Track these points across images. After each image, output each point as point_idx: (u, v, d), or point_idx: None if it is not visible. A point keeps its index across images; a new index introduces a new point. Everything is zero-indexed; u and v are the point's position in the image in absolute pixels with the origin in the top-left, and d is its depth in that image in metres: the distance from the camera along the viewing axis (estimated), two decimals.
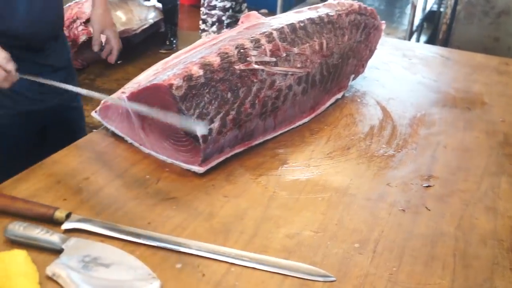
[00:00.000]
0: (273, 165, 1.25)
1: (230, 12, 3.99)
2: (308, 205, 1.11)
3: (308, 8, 1.57)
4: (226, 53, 1.25)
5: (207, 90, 1.17)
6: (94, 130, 1.34)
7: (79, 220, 0.98)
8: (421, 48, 2.21)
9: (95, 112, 1.32)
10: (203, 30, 4.08)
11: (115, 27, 1.63)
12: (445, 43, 3.07)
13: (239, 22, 1.77)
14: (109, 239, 0.96)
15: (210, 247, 0.96)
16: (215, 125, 1.18)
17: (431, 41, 3.91)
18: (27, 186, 1.09)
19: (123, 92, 1.34)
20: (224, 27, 3.99)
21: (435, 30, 4.13)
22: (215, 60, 1.22)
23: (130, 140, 1.28)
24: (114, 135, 1.31)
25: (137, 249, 0.94)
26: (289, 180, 1.19)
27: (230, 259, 0.93)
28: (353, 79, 1.71)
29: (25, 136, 1.51)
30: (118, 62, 4.06)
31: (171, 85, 1.12)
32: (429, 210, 1.11)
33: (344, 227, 1.05)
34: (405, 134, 1.43)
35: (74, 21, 3.59)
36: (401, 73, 1.87)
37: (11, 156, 1.46)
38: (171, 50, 4.45)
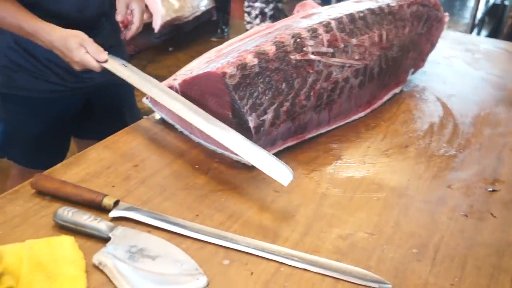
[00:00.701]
0: (327, 160, 1.19)
1: (273, 4, 3.93)
2: (363, 204, 1.05)
3: None
4: (282, 42, 1.19)
5: (261, 80, 1.13)
6: (145, 117, 1.32)
7: (127, 209, 0.96)
8: (485, 42, 2.08)
9: (146, 98, 1.30)
10: (248, 22, 4.04)
11: (142, 3, 1.55)
12: (510, 37, 2.90)
13: (295, 11, 1.72)
14: (156, 230, 0.93)
15: (260, 244, 0.91)
16: (268, 116, 1.13)
17: (492, 35, 3.71)
18: (77, 170, 1.08)
19: (174, 79, 1.31)
20: (267, 19, 3.93)
21: (497, 24, 3.93)
22: (270, 49, 1.17)
23: (180, 128, 1.25)
24: (164, 122, 1.28)
25: (184, 241, 0.91)
26: (343, 177, 1.14)
27: (280, 258, 0.89)
28: (412, 73, 1.62)
29: (70, 109, 1.51)
30: (170, 49, 4.08)
31: (224, 74, 1.08)
32: (495, 217, 1.03)
33: (401, 230, 0.98)
34: (468, 133, 1.34)
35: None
36: (463, 69, 1.76)
37: (54, 129, 1.46)
38: (222, 38, 4.42)
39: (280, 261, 0.89)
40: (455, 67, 1.77)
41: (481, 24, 3.90)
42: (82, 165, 1.10)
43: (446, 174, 1.16)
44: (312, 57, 1.22)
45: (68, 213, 0.92)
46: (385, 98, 1.49)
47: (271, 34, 1.29)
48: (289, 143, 1.21)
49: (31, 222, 0.94)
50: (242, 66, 1.11)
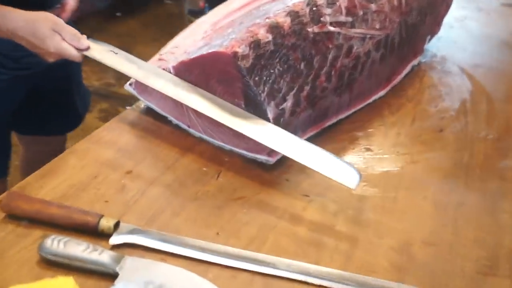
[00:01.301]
0: (355, 152, 1.11)
1: None
2: (410, 206, 0.97)
3: None
4: (297, 11, 1.08)
5: (277, 60, 1.02)
6: (128, 107, 1.19)
7: (131, 232, 0.85)
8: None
9: (130, 84, 1.17)
10: None
11: None
12: None
13: None
14: (172, 256, 0.82)
15: (303, 266, 0.82)
16: (288, 104, 1.03)
17: None
18: (56, 183, 0.95)
19: (160, 59, 1.18)
20: None
21: None
22: (285, 21, 1.05)
23: (175, 121, 1.13)
24: (154, 113, 1.15)
25: (210, 269, 0.81)
26: (378, 173, 1.05)
27: (331, 283, 0.80)
28: (429, 41, 1.55)
29: (11, 100, 1.36)
30: (117, 14, 3.87)
31: (235, 54, 0.96)
32: None
33: (463, 236, 0.91)
34: (507, 112, 1.28)
35: None
36: (481, 32, 1.70)
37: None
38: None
39: (331, 286, 0.80)
40: (472, 31, 1.70)
41: None
42: (61, 175, 0.97)
43: (496, 163, 1.10)
44: (331, 28, 1.11)
45: (59, 244, 0.79)
46: (404, 72, 1.41)
47: (277, 1, 1.17)
48: (310, 133, 1.12)
49: (8, 259, 0.80)
50: (255, 44, 0.99)
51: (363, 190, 1.00)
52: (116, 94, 2.86)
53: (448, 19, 1.67)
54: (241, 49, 0.97)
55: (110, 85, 2.95)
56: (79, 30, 1.07)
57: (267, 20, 1.05)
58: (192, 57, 1.03)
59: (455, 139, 1.17)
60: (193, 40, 1.17)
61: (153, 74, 1.06)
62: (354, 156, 1.09)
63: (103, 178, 0.97)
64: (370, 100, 1.28)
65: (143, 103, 1.17)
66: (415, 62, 1.46)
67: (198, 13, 3.44)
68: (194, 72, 1.03)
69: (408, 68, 1.43)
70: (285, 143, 0.96)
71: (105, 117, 2.67)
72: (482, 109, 1.29)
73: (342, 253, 0.86)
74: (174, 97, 1.03)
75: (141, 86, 1.14)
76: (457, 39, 1.64)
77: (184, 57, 1.06)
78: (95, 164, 1.00)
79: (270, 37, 1.02)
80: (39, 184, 0.94)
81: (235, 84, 0.99)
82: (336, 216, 0.94)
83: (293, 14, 1.07)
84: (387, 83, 1.34)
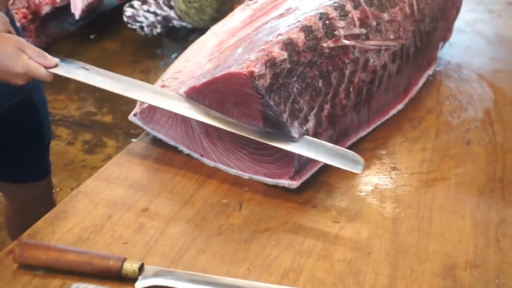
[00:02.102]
0: (381, 172, 1.13)
1: None
2: (447, 227, 1.00)
3: None
4: (310, 26, 1.12)
5: (294, 79, 1.05)
6: (134, 140, 1.20)
7: (157, 274, 0.86)
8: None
9: (134, 115, 1.19)
10: None
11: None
12: None
13: None
14: None
15: None
16: (310, 124, 1.06)
17: None
18: (69, 226, 0.96)
19: (163, 86, 1.21)
20: None
21: None
22: (299, 37, 1.09)
23: (186, 151, 1.15)
24: (163, 143, 1.17)
25: None
26: (408, 193, 1.08)
27: None
28: (442, 47, 1.59)
29: None
30: (91, 36, 3.89)
31: (252, 73, 0.99)
32: None
33: (509, 255, 0.94)
34: None
35: None
36: (494, 35, 1.75)
37: None
38: None
39: None
40: (485, 34, 1.76)
41: None
42: (73, 218, 0.98)
43: None
44: (346, 42, 1.15)
45: None
46: (421, 82, 1.45)
47: (285, 16, 1.20)
48: None
49: None
50: (271, 63, 1.02)
51: (395, 212, 1.03)
52: (98, 123, 2.88)
53: (458, 23, 1.73)
54: (257, 69, 1.00)
55: (91, 114, 2.96)
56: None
57: (280, 37, 1.08)
58: (204, 81, 1.05)
59: (484, 151, 1.20)
60: (196, 62, 1.20)
61: (133, 86, 1.07)
62: (381, 177, 1.12)
63: (118, 218, 0.98)
64: (389, 115, 1.32)
65: (150, 133, 1.19)
66: (430, 71, 1.50)
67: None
68: (207, 96, 1.05)
69: (424, 78, 1.47)
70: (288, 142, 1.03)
71: (90, 149, 2.67)
72: (508, 117, 1.33)
73: (383, 282, 0.89)
74: (165, 107, 1.06)
75: (147, 116, 1.16)
76: (470, 44, 1.69)
77: (193, 82, 1.08)
78: (107, 204, 1.01)
79: (285, 54, 1.05)
80: (50, 229, 0.96)
81: (253, 105, 1.01)
82: (371, 242, 0.96)
83: (306, 29, 1.11)
84: (404, 95, 1.38)
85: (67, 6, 3.56)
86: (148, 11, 3.37)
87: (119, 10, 3.80)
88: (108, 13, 3.85)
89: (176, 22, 3.40)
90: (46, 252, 0.87)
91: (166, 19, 3.39)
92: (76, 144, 2.71)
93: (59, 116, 2.94)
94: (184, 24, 3.39)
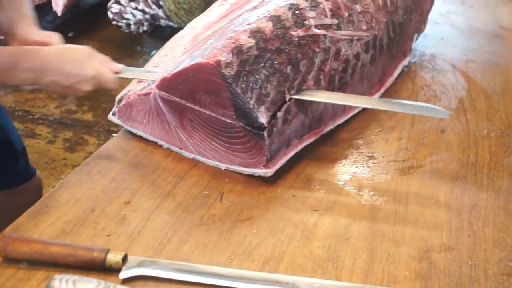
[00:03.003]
0: (358, 162, 1.16)
1: None
2: (423, 212, 1.03)
3: None
4: (278, 16, 1.14)
5: (262, 65, 1.07)
6: (114, 134, 1.22)
7: (141, 264, 0.87)
8: None
9: (113, 114, 1.20)
10: None
11: None
12: None
13: None
14: (185, 285, 0.86)
15: (325, 284, 0.86)
16: (279, 113, 1.07)
17: None
18: (52, 220, 0.97)
19: (140, 81, 1.22)
20: None
21: None
22: (267, 26, 1.11)
23: (166, 145, 1.16)
24: (143, 139, 1.19)
25: None
26: (385, 181, 1.11)
27: None
28: (416, 39, 1.62)
29: None
30: (70, 34, 3.87)
31: (218, 62, 1.01)
32: None
33: (481, 238, 0.97)
34: (507, 105, 1.35)
35: None
36: (467, 26, 1.79)
37: None
38: None
39: None
40: (458, 25, 1.79)
41: None
42: (56, 212, 0.99)
43: (503, 160, 1.17)
44: (316, 31, 1.17)
45: (68, 284, 0.81)
46: (396, 73, 1.48)
47: (258, 8, 1.22)
48: (307, 141, 1.16)
49: None
50: (238, 50, 1.04)
51: (373, 200, 1.06)
52: (79, 122, 2.87)
53: (432, 15, 1.76)
54: (224, 57, 1.02)
55: (72, 112, 2.95)
56: None
57: (247, 26, 1.10)
58: (174, 72, 1.06)
59: (458, 139, 1.24)
60: (173, 57, 1.22)
61: None
62: (359, 166, 1.14)
63: (101, 211, 1.00)
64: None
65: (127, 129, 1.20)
66: (405, 62, 1.53)
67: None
68: (178, 87, 1.07)
69: (399, 69, 1.50)
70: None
71: (71, 147, 2.67)
72: (481, 105, 1.36)
73: (361, 266, 0.91)
74: None
75: (125, 114, 1.18)
76: (444, 35, 1.72)
77: (166, 74, 1.09)
78: (89, 197, 1.03)
79: (253, 41, 1.07)
80: (33, 223, 0.96)
81: (222, 94, 1.03)
82: (349, 228, 0.99)
83: (275, 19, 1.13)
84: (379, 85, 1.41)
85: (45, 4, 3.54)
86: (136, 8, 3.35)
87: (96, 8, 3.79)
88: (85, 11, 3.83)
89: (163, 21, 3.40)
90: (29, 245, 0.88)
91: (154, 17, 3.38)
92: (56, 143, 2.70)
93: (38, 114, 2.92)
94: (170, 23, 3.39)
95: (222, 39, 1.08)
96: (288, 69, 1.10)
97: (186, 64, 1.07)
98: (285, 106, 1.08)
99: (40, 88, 1.11)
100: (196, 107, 1.07)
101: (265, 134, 1.04)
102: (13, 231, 0.95)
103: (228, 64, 1.02)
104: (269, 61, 1.08)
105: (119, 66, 1.11)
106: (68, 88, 1.06)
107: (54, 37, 1.17)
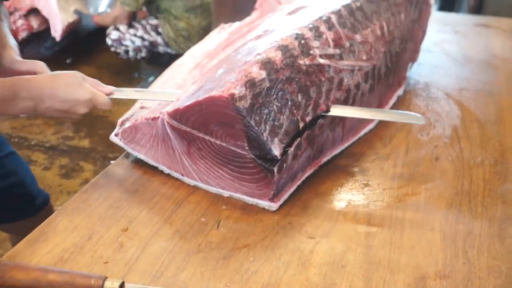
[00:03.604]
0: (354, 189, 1.17)
1: None
2: (418, 239, 1.04)
3: None
4: (286, 45, 1.15)
5: (274, 96, 1.08)
6: (112, 162, 1.23)
7: None
8: (471, 20, 2.16)
9: (116, 135, 1.21)
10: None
11: None
12: (478, 10, 3.04)
13: (257, 5, 1.70)
14: None
15: None
16: (291, 148, 1.08)
17: (446, 8, 3.89)
18: (49, 247, 0.98)
19: (142, 107, 1.24)
20: None
21: None
22: (276, 56, 1.12)
23: (167, 170, 1.17)
24: (142, 165, 1.20)
25: None
26: (381, 208, 1.12)
27: None
28: (410, 68, 1.65)
29: None
30: (68, 61, 3.90)
31: (232, 96, 1.02)
32: None
33: (476, 265, 0.98)
34: (500, 133, 1.37)
35: (11, 13, 3.40)
36: (461, 55, 1.82)
37: None
38: None
39: None
40: (451, 54, 1.82)
41: None
42: (53, 239, 1.00)
43: (496, 187, 1.18)
44: (321, 61, 1.19)
45: None
46: (391, 101, 1.50)
47: (262, 37, 1.24)
48: (308, 172, 1.18)
49: None
50: (251, 83, 1.05)
51: (368, 227, 1.06)
52: (76, 148, 2.88)
53: (425, 44, 1.79)
54: (237, 90, 1.03)
55: (68, 139, 2.96)
56: None
57: (258, 56, 1.11)
58: (187, 103, 1.07)
59: (452, 166, 1.25)
60: (175, 84, 1.23)
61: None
62: (355, 193, 1.15)
63: (98, 238, 1.00)
64: (362, 133, 1.36)
65: (130, 155, 1.21)
66: (400, 90, 1.55)
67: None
68: (190, 118, 1.08)
69: (395, 97, 1.52)
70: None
71: (67, 174, 2.67)
72: (474, 133, 1.38)
73: None
74: None
75: (128, 136, 1.19)
76: (438, 64, 1.75)
77: (176, 105, 1.10)
78: (87, 225, 1.03)
79: (264, 74, 1.08)
80: (30, 250, 0.97)
81: (236, 126, 1.04)
82: (345, 256, 0.99)
83: (283, 48, 1.14)
84: None
85: (44, 31, 3.58)
86: (135, 35, 3.38)
87: (95, 34, 3.82)
88: (84, 37, 3.87)
89: (161, 48, 3.43)
90: (27, 273, 0.89)
91: (153, 44, 3.41)
92: (52, 169, 2.71)
93: (35, 141, 2.94)
94: (169, 50, 3.42)
95: (234, 71, 1.08)
96: (299, 97, 1.11)
97: (200, 96, 1.07)
98: (296, 142, 1.09)
99: (38, 115, 1.13)
100: (207, 137, 1.08)
101: (275, 170, 1.05)
102: (10, 259, 0.96)
103: (242, 97, 1.03)
104: (281, 92, 1.09)
105: (109, 88, 1.15)
106: (65, 112, 1.10)
107: (38, 64, 1.20)
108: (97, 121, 3.04)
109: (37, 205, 1.54)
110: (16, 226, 1.53)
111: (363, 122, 1.37)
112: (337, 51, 1.23)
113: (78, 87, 1.08)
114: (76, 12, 3.58)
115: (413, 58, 1.68)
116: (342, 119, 1.26)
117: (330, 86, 1.19)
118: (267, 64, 1.09)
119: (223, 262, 0.97)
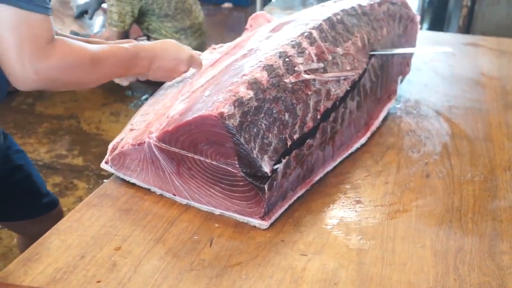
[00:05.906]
0: (346, 206, 1.17)
1: None
2: (409, 256, 1.04)
3: None
4: (271, 65, 1.17)
5: (262, 115, 1.09)
6: (105, 181, 1.23)
7: None
8: (459, 39, 2.19)
9: (106, 163, 1.21)
10: None
11: None
12: (467, 29, 3.08)
13: (247, 25, 1.72)
14: None
15: None
16: (280, 166, 1.09)
17: (436, 28, 3.94)
18: (42, 268, 0.97)
19: (132, 129, 1.24)
20: None
21: (438, 15, 4.17)
22: (262, 76, 1.14)
23: (159, 192, 1.17)
24: (133, 184, 1.20)
25: None
26: (373, 225, 1.12)
27: None
28: (401, 81, 1.67)
29: None
30: None
31: (221, 114, 1.03)
32: None
33: (467, 282, 0.98)
34: (489, 150, 1.38)
35: None
36: (450, 73, 1.84)
37: None
38: None
39: None
40: (441, 72, 1.84)
41: (422, 16, 4.13)
42: (46, 259, 0.99)
43: (486, 204, 1.19)
44: (306, 76, 1.20)
45: None
46: (381, 116, 1.51)
47: (248, 56, 1.26)
48: (300, 192, 1.18)
49: None
50: (239, 102, 1.06)
51: (360, 244, 1.07)
52: (69, 166, 2.87)
53: (415, 62, 1.81)
54: (226, 109, 1.04)
55: (62, 157, 2.95)
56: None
57: (244, 77, 1.13)
58: (176, 124, 1.08)
59: (443, 183, 1.26)
60: (164, 105, 1.24)
61: None
62: (346, 210, 1.16)
63: (91, 257, 1.00)
64: (352, 149, 1.37)
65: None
66: (389, 104, 1.57)
67: None
68: (179, 139, 1.08)
69: (384, 112, 1.53)
70: None
71: (60, 192, 2.66)
72: (464, 151, 1.39)
73: None
74: None
75: (118, 163, 1.19)
76: (427, 82, 1.76)
77: (168, 126, 1.10)
78: (80, 244, 1.03)
79: (251, 93, 1.09)
80: (23, 270, 0.96)
81: (225, 144, 1.04)
82: (337, 273, 0.99)
83: (268, 68, 1.16)
84: (366, 129, 1.44)
85: None
86: None
87: None
88: None
89: None
90: None
91: None
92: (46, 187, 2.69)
93: None
94: None
95: (221, 91, 1.09)
96: (286, 116, 1.13)
97: (188, 116, 1.08)
98: (285, 160, 1.10)
99: (148, 77, 1.30)
100: (196, 157, 1.09)
101: (266, 188, 1.05)
102: (3, 279, 0.95)
103: (231, 116, 1.04)
104: (269, 111, 1.10)
105: (198, 53, 1.42)
106: (170, 71, 1.31)
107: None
108: (91, 139, 3.03)
109: (44, 204, 1.61)
110: (23, 225, 1.60)
111: (353, 137, 1.38)
112: (321, 64, 1.25)
113: (181, 49, 1.31)
114: (72, 33, 3.59)
115: (404, 72, 1.70)
116: (332, 138, 1.27)
117: (318, 98, 1.21)
118: (253, 84, 1.10)
119: (216, 280, 0.97)
